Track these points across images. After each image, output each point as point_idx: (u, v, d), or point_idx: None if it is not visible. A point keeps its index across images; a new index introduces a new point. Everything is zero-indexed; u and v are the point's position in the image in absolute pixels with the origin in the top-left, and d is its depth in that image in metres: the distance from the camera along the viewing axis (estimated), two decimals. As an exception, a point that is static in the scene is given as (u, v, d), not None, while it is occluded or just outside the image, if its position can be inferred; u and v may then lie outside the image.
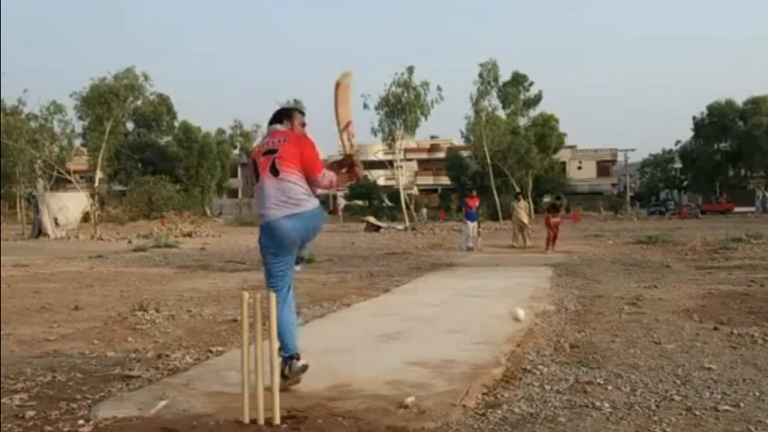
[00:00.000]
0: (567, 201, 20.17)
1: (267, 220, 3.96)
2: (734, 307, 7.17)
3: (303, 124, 4.29)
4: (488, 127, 45.83)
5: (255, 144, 52.32)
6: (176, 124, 60.51)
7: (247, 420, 3.33)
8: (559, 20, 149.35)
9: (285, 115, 4.23)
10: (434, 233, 30.23)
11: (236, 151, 58.12)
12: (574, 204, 56.04)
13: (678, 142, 64.45)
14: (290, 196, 3.92)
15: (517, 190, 35.31)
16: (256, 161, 4.07)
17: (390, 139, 40.29)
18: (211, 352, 5.25)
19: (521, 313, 5.36)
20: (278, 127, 4.18)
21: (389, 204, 57.68)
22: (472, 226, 18.40)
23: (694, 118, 60.08)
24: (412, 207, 42.65)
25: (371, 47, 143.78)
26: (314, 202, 4.04)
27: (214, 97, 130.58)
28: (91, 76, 37.61)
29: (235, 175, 72.31)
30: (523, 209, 19.50)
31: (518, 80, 52.87)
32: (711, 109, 58.61)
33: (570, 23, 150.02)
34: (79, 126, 38.75)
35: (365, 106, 38.83)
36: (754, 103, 56.09)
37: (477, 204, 19.56)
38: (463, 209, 19.76)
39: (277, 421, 3.32)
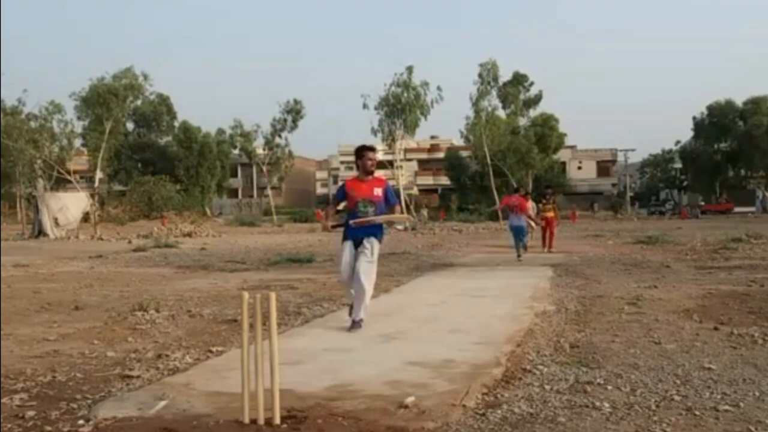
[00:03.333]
0: (553, 198, 18.71)
1: (512, 221, 15.18)
2: (734, 307, 7.17)
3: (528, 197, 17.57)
4: (488, 127, 45.84)
5: (254, 144, 52.66)
6: (176, 124, 60.51)
7: (247, 420, 3.33)
8: (560, 20, 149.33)
9: (524, 192, 16.97)
10: (434, 233, 30.22)
11: (236, 151, 58.11)
12: (572, 204, 55.85)
13: (678, 142, 64.57)
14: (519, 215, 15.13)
15: (522, 191, 35.23)
16: (509, 204, 15.60)
17: (390, 139, 40.30)
18: (211, 352, 5.24)
19: None
20: (517, 194, 16.30)
21: (389, 204, 57.51)
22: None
23: (694, 118, 60.15)
24: (412, 207, 42.64)
25: (371, 47, 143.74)
26: (523, 219, 15.24)
27: (214, 97, 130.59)
28: (90, 77, 37.71)
29: (235, 175, 72.28)
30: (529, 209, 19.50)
31: (519, 80, 52.90)
32: (711, 109, 58.61)
33: (571, 23, 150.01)
34: (78, 126, 38.78)
35: (365, 106, 38.92)
36: (754, 103, 56.10)
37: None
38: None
39: (277, 421, 3.32)
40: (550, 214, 17.48)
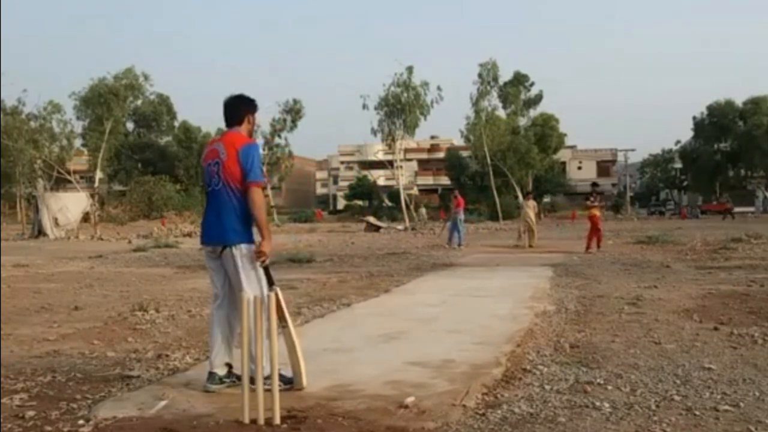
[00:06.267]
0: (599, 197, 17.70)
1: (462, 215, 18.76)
2: (734, 307, 7.16)
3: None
4: (488, 127, 45.81)
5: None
6: (176, 124, 60.51)
7: (247, 420, 3.33)
8: (560, 20, 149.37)
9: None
10: (434, 233, 30.18)
11: (236, 152, 58.09)
12: (574, 204, 55.72)
13: (678, 142, 64.61)
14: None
15: (518, 189, 35.24)
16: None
17: (390, 139, 40.22)
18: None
19: None
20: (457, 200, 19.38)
21: (389, 204, 57.68)
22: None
23: (694, 118, 60.13)
24: (412, 207, 42.61)
25: (371, 47, 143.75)
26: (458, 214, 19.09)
27: (214, 97, 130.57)
28: (91, 77, 37.68)
29: (234, 175, 72.16)
30: (531, 208, 19.42)
31: (519, 80, 52.87)
32: (711, 109, 58.60)
33: (572, 24, 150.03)
34: (78, 126, 38.74)
35: (365, 106, 38.83)
36: (754, 103, 56.08)
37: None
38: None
39: (277, 421, 3.32)
40: (598, 213, 16.91)
